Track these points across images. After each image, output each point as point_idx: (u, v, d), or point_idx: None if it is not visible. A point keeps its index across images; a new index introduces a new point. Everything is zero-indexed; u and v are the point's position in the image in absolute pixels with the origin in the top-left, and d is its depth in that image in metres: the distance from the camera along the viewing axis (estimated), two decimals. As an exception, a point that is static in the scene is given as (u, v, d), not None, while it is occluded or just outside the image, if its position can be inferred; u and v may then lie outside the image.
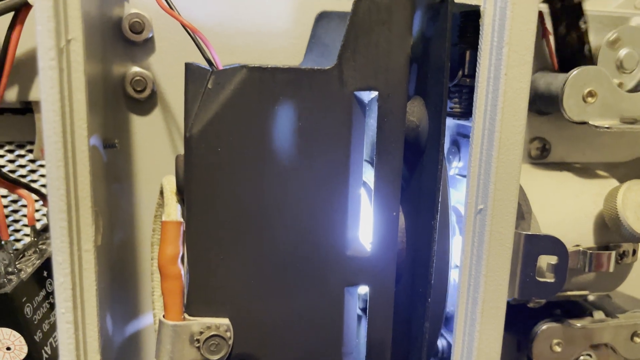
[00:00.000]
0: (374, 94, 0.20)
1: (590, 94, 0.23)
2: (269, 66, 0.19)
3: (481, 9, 0.18)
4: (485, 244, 0.19)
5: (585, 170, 0.26)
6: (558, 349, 0.25)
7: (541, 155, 0.27)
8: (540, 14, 0.25)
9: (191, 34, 0.21)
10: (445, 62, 0.19)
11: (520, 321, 0.26)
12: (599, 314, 0.26)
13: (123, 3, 0.25)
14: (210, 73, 0.19)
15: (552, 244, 0.22)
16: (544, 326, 0.25)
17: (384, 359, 0.21)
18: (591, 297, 0.29)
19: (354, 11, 0.19)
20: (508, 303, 0.24)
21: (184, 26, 0.21)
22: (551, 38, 0.25)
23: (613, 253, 0.23)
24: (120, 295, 0.28)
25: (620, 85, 0.24)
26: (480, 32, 0.19)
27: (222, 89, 0.18)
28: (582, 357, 0.26)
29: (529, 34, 0.18)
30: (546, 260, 0.22)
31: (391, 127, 0.20)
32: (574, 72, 0.23)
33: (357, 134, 0.20)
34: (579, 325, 0.25)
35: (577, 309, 0.26)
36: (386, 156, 0.20)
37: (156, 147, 0.26)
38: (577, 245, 0.23)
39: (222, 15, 0.26)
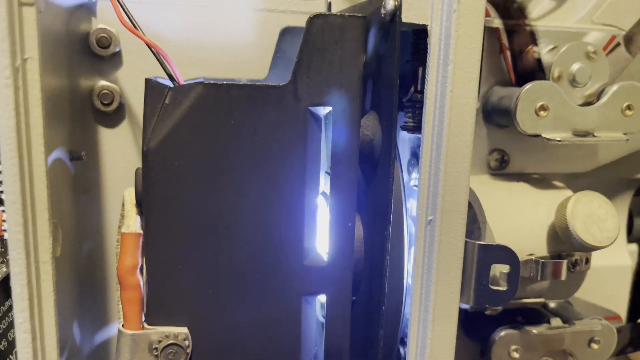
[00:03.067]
0: (329, 109, 0.20)
1: (543, 107, 0.24)
2: (224, 83, 0.19)
3: (428, 28, 0.19)
4: (435, 254, 0.20)
5: (542, 181, 0.27)
6: (516, 355, 0.26)
7: (500, 166, 0.27)
8: (497, 30, 0.26)
9: (153, 50, 0.21)
10: (394, 79, 0.20)
11: (482, 328, 0.27)
12: (556, 321, 0.26)
13: (90, 18, 0.25)
14: (168, 89, 0.19)
15: (505, 254, 0.22)
16: (502, 332, 0.25)
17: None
18: (552, 304, 0.30)
19: (308, 30, 0.19)
20: (467, 311, 0.25)
21: (146, 43, 0.21)
22: (508, 53, 0.26)
23: (565, 262, 0.23)
24: (89, 304, 0.28)
25: (573, 98, 0.25)
26: (428, 50, 0.19)
27: (179, 105, 0.19)
28: (540, 363, 0.26)
29: (474, 52, 0.19)
30: (499, 269, 0.23)
31: (345, 141, 0.20)
32: (527, 86, 0.24)
33: (313, 148, 0.20)
34: (535, 331, 0.25)
35: (536, 316, 0.27)
36: (341, 169, 0.21)
37: (124, 159, 0.27)
38: (531, 255, 0.24)
39: (188, 29, 0.27)
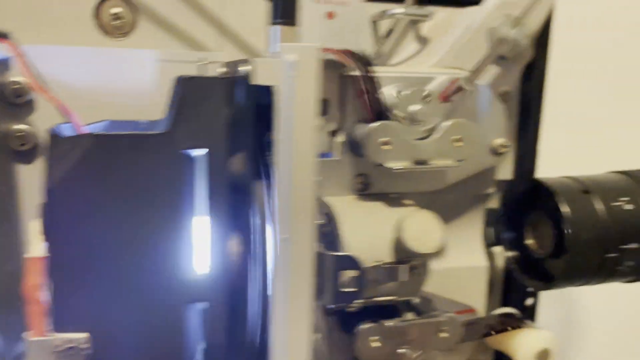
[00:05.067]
0: (203, 151, 0.25)
1: (386, 142, 0.30)
2: (109, 133, 0.24)
3: (276, 87, 0.24)
4: (289, 265, 0.25)
5: (395, 200, 0.32)
6: (376, 344, 0.31)
7: (364, 188, 0.33)
8: (358, 78, 0.31)
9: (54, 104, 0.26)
10: (251, 126, 0.25)
11: (355, 325, 0.32)
12: (409, 315, 0.32)
13: (5, 72, 0.29)
14: (61, 139, 0.24)
15: (352, 262, 0.28)
16: (361, 326, 0.31)
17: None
18: (417, 301, 0.35)
19: (177, 87, 0.24)
20: (344, 311, 0.30)
21: (46, 99, 0.26)
22: (366, 96, 0.31)
23: (402, 266, 0.29)
24: (14, 319, 0.32)
25: (413, 133, 0.30)
26: (275, 105, 0.25)
27: (69, 152, 0.23)
28: (399, 350, 0.32)
29: (311, 106, 0.24)
30: (350, 274, 0.28)
31: (216, 177, 0.25)
32: (372, 125, 0.29)
33: (190, 185, 0.25)
34: (389, 324, 0.31)
35: (395, 312, 0.32)
36: (215, 200, 0.25)
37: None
38: (379, 262, 0.29)
39: (96, 75, 0.31)
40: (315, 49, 0.24)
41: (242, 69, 0.24)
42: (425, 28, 0.39)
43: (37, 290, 0.24)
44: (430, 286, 0.37)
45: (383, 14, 0.37)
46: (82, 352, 0.24)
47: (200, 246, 0.26)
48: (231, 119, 0.25)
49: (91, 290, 0.25)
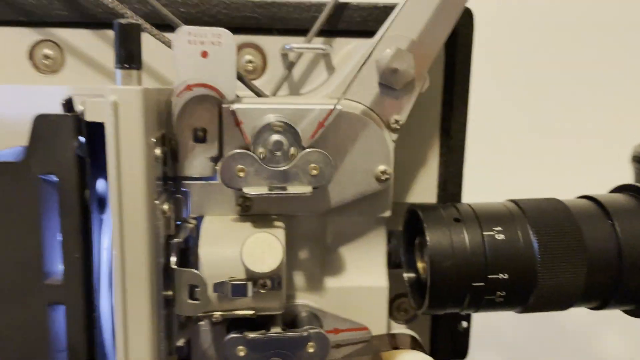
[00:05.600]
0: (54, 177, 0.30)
1: (241, 169, 0.33)
2: None
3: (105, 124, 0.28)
4: (120, 277, 0.29)
5: (265, 220, 0.35)
6: (242, 354, 0.34)
7: (245, 209, 0.36)
8: (234, 111, 0.34)
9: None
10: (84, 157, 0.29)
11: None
12: (275, 328, 0.35)
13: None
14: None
15: (196, 277, 0.31)
16: (227, 337, 0.34)
17: (80, 357, 0.31)
18: (303, 314, 0.38)
19: (34, 125, 0.29)
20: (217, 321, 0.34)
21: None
22: (242, 126, 0.35)
23: (247, 283, 0.32)
24: None
25: (270, 162, 0.33)
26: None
27: None
28: (270, 360, 0.34)
29: (136, 140, 0.28)
30: (196, 288, 0.31)
31: (68, 200, 0.30)
32: (229, 153, 0.32)
33: (49, 206, 0.30)
34: (251, 336, 0.34)
35: (263, 324, 0.35)
36: (65, 219, 0.30)
37: None
38: (232, 277, 0.32)
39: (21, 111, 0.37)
40: (135, 91, 0.28)
41: (79, 107, 0.29)
42: (337, 58, 0.42)
43: None
44: (330, 304, 0.39)
45: (284, 48, 0.39)
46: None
47: (58, 256, 0.31)
48: (77, 149, 0.29)
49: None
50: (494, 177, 0.51)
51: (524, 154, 0.64)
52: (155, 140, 0.30)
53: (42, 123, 0.29)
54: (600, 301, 0.36)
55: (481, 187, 0.45)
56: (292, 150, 0.33)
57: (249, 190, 0.33)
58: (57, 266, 0.31)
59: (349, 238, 0.40)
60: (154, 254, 0.30)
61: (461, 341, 0.47)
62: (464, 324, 0.47)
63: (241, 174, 0.33)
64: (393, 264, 0.40)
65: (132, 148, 0.28)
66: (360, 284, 0.40)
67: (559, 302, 0.35)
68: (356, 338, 0.38)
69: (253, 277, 0.32)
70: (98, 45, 0.39)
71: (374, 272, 0.40)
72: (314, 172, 0.33)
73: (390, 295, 0.45)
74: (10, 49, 0.38)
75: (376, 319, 0.40)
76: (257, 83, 0.40)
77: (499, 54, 0.61)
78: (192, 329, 0.37)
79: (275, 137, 0.33)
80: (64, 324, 0.31)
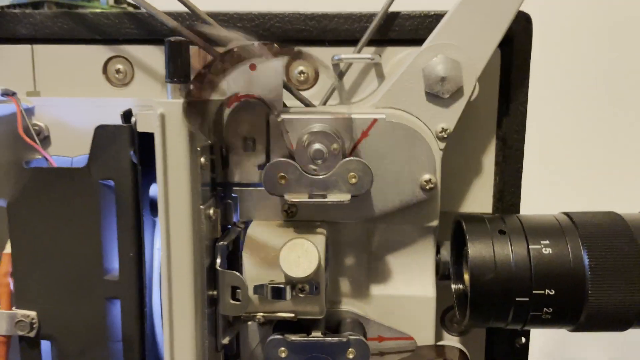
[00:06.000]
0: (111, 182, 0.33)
1: (283, 177, 0.34)
2: (44, 167, 0.33)
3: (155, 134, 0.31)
4: (167, 276, 0.31)
5: (309, 227, 0.36)
6: (283, 355, 0.35)
7: (292, 215, 0.37)
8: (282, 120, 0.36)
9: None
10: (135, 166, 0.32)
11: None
12: (316, 333, 0.36)
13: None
14: (29, 170, 0.33)
15: (237, 278, 0.33)
16: (269, 338, 0.35)
17: (132, 351, 0.34)
18: (348, 320, 0.38)
19: (95, 134, 0.32)
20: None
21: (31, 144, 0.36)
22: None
23: (284, 287, 0.33)
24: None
25: (313, 170, 0.34)
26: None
27: (26, 180, 0.33)
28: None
29: (182, 151, 0.30)
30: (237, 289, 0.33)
31: (124, 203, 0.33)
32: (271, 162, 0.34)
33: (107, 209, 0.33)
34: (292, 338, 0.35)
35: (305, 327, 0.36)
36: (122, 220, 0.33)
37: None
38: (272, 281, 0.34)
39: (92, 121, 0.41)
40: (179, 104, 0.30)
41: (133, 119, 0.31)
42: (388, 67, 0.42)
43: (6, 276, 0.34)
44: (376, 312, 0.39)
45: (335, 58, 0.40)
46: (32, 325, 0.34)
47: (115, 254, 0.34)
48: (132, 157, 0.32)
49: (39, 281, 0.34)
50: (554, 188, 0.49)
51: (586, 164, 0.60)
52: (200, 149, 0.32)
53: (101, 133, 0.32)
54: (664, 323, 0.33)
55: (541, 199, 0.43)
56: (333, 159, 0.34)
57: (290, 197, 0.34)
58: (114, 263, 0.34)
59: (396, 246, 0.40)
60: (198, 255, 0.32)
61: (519, 358, 0.45)
62: (522, 339, 0.45)
63: (282, 182, 0.34)
64: (442, 276, 0.40)
65: (177, 156, 0.30)
66: (407, 293, 0.39)
67: (614, 321, 0.33)
68: (401, 347, 0.38)
69: (291, 282, 0.33)
70: (163, 59, 0.42)
71: (421, 281, 0.40)
72: (353, 180, 0.34)
73: (444, 306, 0.44)
74: (87, 64, 0.42)
75: (423, 330, 0.39)
76: (308, 93, 0.41)
77: (559, 59, 0.58)
78: (241, 329, 0.39)
79: (317, 146, 0.34)
80: (119, 317, 0.34)
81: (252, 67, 0.35)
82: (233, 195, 0.37)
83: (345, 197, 0.34)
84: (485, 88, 0.41)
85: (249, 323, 0.39)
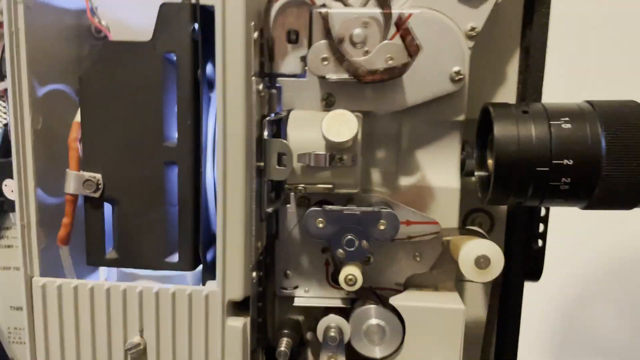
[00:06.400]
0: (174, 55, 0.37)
1: (325, 59, 0.37)
2: (116, 40, 0.36)
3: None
4: (222, 144, 0.35)
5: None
6: (321, 225, 0.39)
7: (330, 104, 0.40)
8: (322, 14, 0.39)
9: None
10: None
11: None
12: (350, 206, 0.39)
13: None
14: (100, 43, 0.37)
15: (284, 145, 0.36)
16: (310, 209, 0.39)
17: (186, 214, 0.38)
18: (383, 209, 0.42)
19: (159, 10, 0.36)
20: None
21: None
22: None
23: (324, 155, 0.36)
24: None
25: (349, 53, 0.37)
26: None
27: (94, 54, 0.37)
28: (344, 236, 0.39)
29: (238, 23, 0.34)
30: (284, 157, 0.37)
31: (184, 75, 0.36)
32: (313, 45, 0.37)
33: (169, 81, 0.37)
34: (329, 208, 0.38)
35: (339, 203, 0.39)
36: (181, 92, 0.37)
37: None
38: (313, 151, 0.37)
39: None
40: (239, -22, 0.34)
41: None
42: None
43: (76, 141, 0.38)
44: (404, 200, 0.43)
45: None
46: (97, 185, 0.38)
47: (174, 123, 0.37)
48: (193, 33, 0.36)
49: (105, 146, 0.38)
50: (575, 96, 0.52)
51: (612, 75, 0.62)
52: (254, 24, 0.35)
53: (165, 9, 0.36)
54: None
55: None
56: (371, 45, 0.37)
57: (331, 77, 0.37)
58: (174, 132, 0.38)
59: (425, 141, 0.43)
60: (249, 125, 0.36)
61: (536, 261, 0.48)
62: (539, 242, 0.48)
63: (325, 63, 0.37)
64: (467, 172, 0.43)
65: (235, 26, 0.34)
66: (434, 184, 0.43)
67: (625, 196, 0.35)
68: (427, 230, 0.42)
69: (332, 152, 0.37)
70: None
71: (447, 174, 0.43)
72: (390, 62, 0.37)
73: (465, 210, 0.48)
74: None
75: (448, 218, 0.43)
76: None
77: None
78: (281, 212, 0.42)
79: (357, 31, 0.38)
80: (176, 183, 0.38)
81: (298, -35, 0.39)
82: (277, 85, 0.41)
83: (380, 76, 0.37)
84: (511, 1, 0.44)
85: (287, 207, 0.42)
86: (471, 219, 0.48)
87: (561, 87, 0.50)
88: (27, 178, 0.37)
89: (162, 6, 0.36)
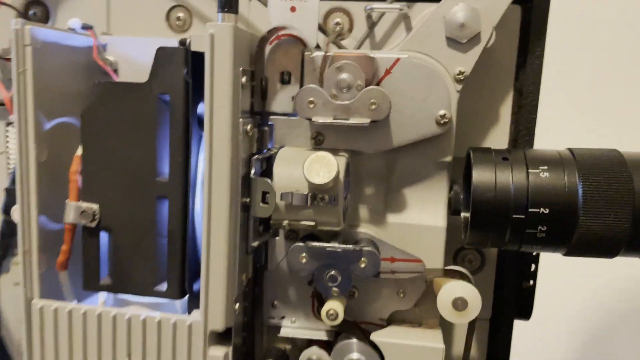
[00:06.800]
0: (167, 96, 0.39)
1: (311, 102, 0.39)
2: (115, 82, 0.39)
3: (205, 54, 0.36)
4: (208, 179, 0.37)
5: (333, 153, 0.41)
6: (304, 260, 0.40)
7: (319, 143, 0.42)
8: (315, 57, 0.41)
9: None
10: (187, 80, 0.37)
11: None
12: (333, 243, 0.40)
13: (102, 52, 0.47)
14: (101, 84, 0.40)
15: (266, 184, 0.38)
16: (293, 245, 0.40)
17: (175, 245, 0.40)
18: (363, 240, 0.43)
19: (156, 53, 0.38)
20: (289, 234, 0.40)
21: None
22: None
23: (309, 195, 0.38)
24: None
25: (334, 96, 0.39)
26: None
27: (96, 93, 0.39)
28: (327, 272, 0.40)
29: (225, 69, 0.36)
30: (266, 194, 0.38)
31: (176, 115, 0.39)
32: (300, 90, 0.39)
33: (162, 120, 0.39)
34: (311, 245, 0.40)
35: (324, 239, 0.41)
36: (175, 130, 0.39)
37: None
38: (297, 190, 0.39)
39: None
40: (228, 26, 0.35)
41: (187, 41, 0.37)
42: (415, 20, 0.46)
43: (76, 174, 0.40)
44: (390, 237, 0.44)
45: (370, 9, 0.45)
46: (94, 216, 0.40)
47: (166, 159, 0.40)
48: (185, 75, 0.38)
49: (102, 179, 0.40)
50: (566, 138, 0.52)
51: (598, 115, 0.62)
52: (242, 69, 0.37)
53: (161, 53, 0.38)
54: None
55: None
56: (356, 89, 0.39)
57: (317, 119, 0.39)
58: (165, 168, 0.40)
59: (413, 179, 0.44)
60: (235, 162, 0.37)
61: (526, 300, 0.48)
62: (530, 282, 0.48)
63: (311, 106, 0.39)
64: (454, 210, 0.44)
65: (223, 71, 0.36)
66: (420, 222, 0.44)
67: (604, 246, 0.36)
68: (411, 268, 0.42)
69: (313, 192, 0.38)
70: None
71: (434, 212, 0.44)
72: (373, 107, 0.38)
73: (456, 247, 0.48)
74: (152, 12, 0.49)
75: (433, 257, 0.43)
76: (344, 43, 0.46)
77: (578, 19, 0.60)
78: (269, 244, 0.44)
79: (343, 75, 0.39)
80: (166, 216, 0.40)
81: (293, 9, 0.41)
82: (270, 123, 0.43)
83: (365, 120, 0.38)
84: (505, 42, 0.45)
85: (277, 239, 0.44)
86: (461, 256, 0.48)
87: (554, 129, 0.50)
88: (30, 207, 0.40)
89: (158, 50, 0.38)
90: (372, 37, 0.47)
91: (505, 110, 0.46)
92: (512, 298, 0.48)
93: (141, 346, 0.39)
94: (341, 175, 0.38)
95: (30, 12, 0.49)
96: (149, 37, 0.48)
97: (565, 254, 0.37)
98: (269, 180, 0.38)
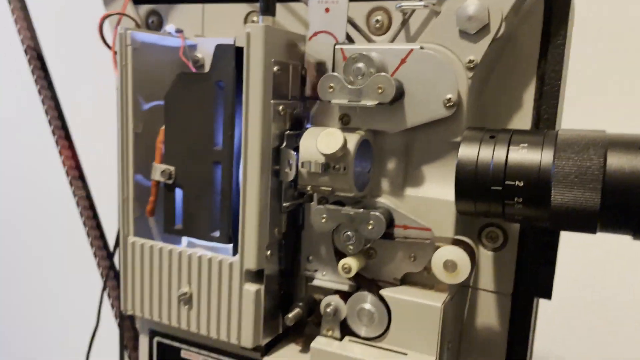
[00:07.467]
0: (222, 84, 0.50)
1: (330, 87, 0.47)
2: (187, 72, 0.51)
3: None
4: (248, 150, 0.47)
5: (354, 130, 0.48)
6: (323, 220, 0.48)
7: (346, 123, 0.50)
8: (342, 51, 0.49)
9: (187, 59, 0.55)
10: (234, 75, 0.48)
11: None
12: (347, 208, 0.48)
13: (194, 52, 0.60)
14: (178, 74, 0.52)
15: (291, 154, 0.47)
16: (316, 207, 0.49)
17: (226, 201, 0.50)
18: (380, 208, 0.49)
19: (214, 52, 0.49)
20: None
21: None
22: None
23: (322, 163, 0.46)
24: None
25: (351, 82, 0.46)
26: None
27: (176, 82, 0.52)
28: (344, 232, 0.48)
29: (259, 62, 0.45)
30: (294, 165, 0.47)
31: (227, 98, 0.49)
32: (323, 76, 0.47)
33: (218, 102, 0.50)
34: (329, 207, 0.48)
35: (341, 204, 0.49)
36: (226, 110, 0.49)
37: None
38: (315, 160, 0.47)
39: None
40: (260, 26, 0.45)
41: (234, 38, 0.47)
42: (445, 15, 0.51)
43: (161, 142, 0.53)
44: (406, 208, 0.50)
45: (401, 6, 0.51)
46: (170, 175, 0.53)
47: (220, 133, 0.50)
48: (234, 66, 0.48)
49: (177, 147, 0.52)
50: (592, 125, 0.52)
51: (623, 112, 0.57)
52: (274, 60, 0.46)
53: (218, 49, 0.49)
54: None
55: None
56: (367, 76, 0.46)
57: (335, 101, 0.47)
58: (220, 139, 0.51)
59: (429, 158, 0.49)
60: (266, 137, 0.47)
61: (544, 280, 0.50)
62: (551, 260, 0.50)
63: (330, 90, 0.47)
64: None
65: (255, 62, 0.46)
66: (434, 196, 0.49)
67: (579, 220, 0.38)
68: (421, 235, 0.48)
69: (327, 161, 0.46)
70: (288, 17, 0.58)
71: (447, 187, 0.49)
72: (380, 91, 0.45)
73: (481, 224, 0.52)
74: (232, 18, 0.60)
75: (444, 227, 0.48)
76: (382, 38, 0.53)
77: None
78: (306, 208, 0.52)
79: (359, 64, 0.46)
80: (220, 177, 0.51)
81: (327, 10, 0.49)
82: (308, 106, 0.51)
83: (373, 102, 0.45)
84: (529, 31, 0.48)
85: (312, 204, 0.52)
86: (485, 232, 0.52)
87: (579, 115, 0.51)
88: (128, 166, 0.54)
89: (216, 47, 0.49)
90: (407, 31, 0.53)
91: (528, 97, 0.49)
92: (531, 278, 0.50)
93: (197, 277, 0.51)
94: (350, 148, 0.45)
95: (149, 20, 0.64)
96: (231, 37, 0.60)
97: (550, 227, 0.40)
98: (291, 151, 0.47)
